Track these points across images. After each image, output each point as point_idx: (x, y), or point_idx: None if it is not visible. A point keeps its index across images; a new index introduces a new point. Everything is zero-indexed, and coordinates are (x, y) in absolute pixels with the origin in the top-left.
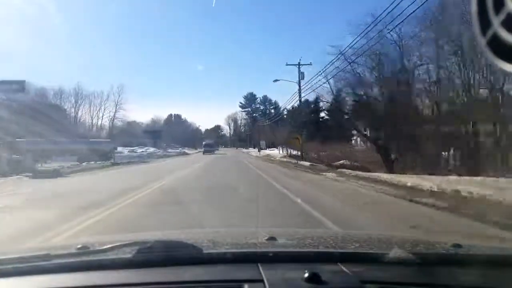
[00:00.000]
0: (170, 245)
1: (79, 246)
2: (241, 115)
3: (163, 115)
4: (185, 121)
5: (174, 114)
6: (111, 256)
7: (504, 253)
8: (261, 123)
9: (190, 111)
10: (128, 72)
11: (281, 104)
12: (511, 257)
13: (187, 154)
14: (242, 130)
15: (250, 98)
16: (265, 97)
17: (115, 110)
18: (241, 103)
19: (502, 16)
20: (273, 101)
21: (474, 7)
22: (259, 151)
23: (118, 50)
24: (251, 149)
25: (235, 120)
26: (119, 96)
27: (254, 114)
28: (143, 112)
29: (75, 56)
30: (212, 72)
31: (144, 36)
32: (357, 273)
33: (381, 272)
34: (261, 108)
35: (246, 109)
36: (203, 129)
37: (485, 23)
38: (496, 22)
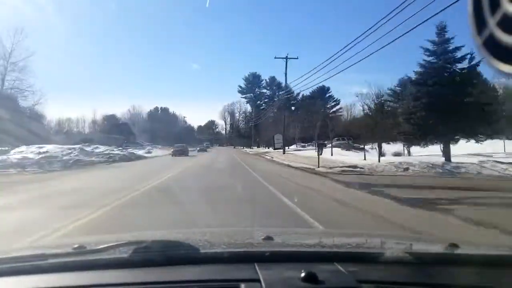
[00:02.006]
0: (166, 244)
1: (75, 246)
2: (240, 107)
3: (146, 107)
4: (174, 115)
5: (161, 107)
6: (107, 255)
7: (501, 253)
8: (271, 110)
9: (184, 109)
10: (115, 65)
11: (294, 87)
12: (507, 257)
13: (143, 158)
14: (241, 125)
15: (253, 81)
16: (272, 79)
17: (6, 71)
18: (240, 87)
19: (497, 16)
20: (283, 84)
21: (470, 7)
22: (284, 152)
23: (105, 44)
24: (258, 149)
25: (232, 113)
26: (12, 45)
27: (258, 102)
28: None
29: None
30: (205, 65)
31: (134, 31)
32: (353, 273)
33: (378, 271)
34: (268, 93)
35: (248, 95)
36: (190, 122)
37: (481, 24)
38: (492, 22)
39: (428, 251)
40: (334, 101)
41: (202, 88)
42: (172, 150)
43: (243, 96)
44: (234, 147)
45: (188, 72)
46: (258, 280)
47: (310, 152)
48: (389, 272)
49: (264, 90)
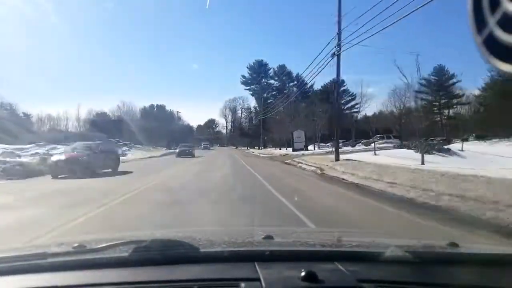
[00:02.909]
0: (166, 243)
1: (75, 245)
2: (243, 102)
3: (138, 104)
4: (171, 113)
5: (157, 105)
6: (107, 254)
7: (500, 252)
8: (286, 100)
9: (184, 109)
10: (108, 62)
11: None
12: (507, 256)
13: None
14: (244, 123)
15: (259, 70)
16: (281, 68)
17: None
18: (244, 77)
19: (497, 15)
20: (294, 75)
21: (469, 6)
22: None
23: (97, 41)
24: (269, 150)
25: (233, 110)
26: None
27: (265, 95)
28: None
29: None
30: (204, 63)
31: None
32: (353, 272)
33: (378, 270)
34: (276, 84)
35: (252, 87)
36: (189, 121)
37: (480, 22)
38: (491, 21)
39: (428, 250)
40: (350, 95)
41: (201, 86)
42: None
43: (247, 87)
44: (236, 148)
45: (187, 70)
46: (258, 279)
47: (365, 154)
48: (390, 272)
49: (272, 81)
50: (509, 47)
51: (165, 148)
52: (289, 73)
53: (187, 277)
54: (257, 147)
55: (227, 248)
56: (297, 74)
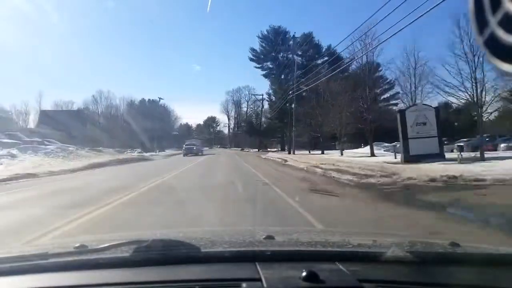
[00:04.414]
0: (167, 244)
1: (77, 245)
2: (248, 94)
3: (118, 95)
4: (165, 109)
5: (149, 99)
6: (109, 255)
7: (502, 252)
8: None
9: (184, 109)
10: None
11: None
12: (508, 256)
13: None
14: (253, 119)
15: (275, 40)
16: (306, 37)
17: None
18: (254, 51)
19: (499, 15)
20: (324, 47)
21: (471, 6)
22: None
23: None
24: (317, 155)
25: (238, 104)
26: None
27: (282, 76)
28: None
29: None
30: (204, 60)
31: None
32: (354, 272)
33: (379, 271)
34: (300, 59)
35: (265, 64)
36: (188, 121)
37: (482, 23)
38: (493, 21)
39: (429, 250)
40: (387, 83)
41: (201, 84)
42: None
43: (259, 66)
44: (242, 149)
45: (187, 69)
46: (259, 279)
47: None
48: (390, 272)
49: (292, 55)
50: (511, 47)
51: (138, 150)
52: (317, 45)
53: (188, 277)
54: (279, 150)
55: (228, 248)
56: (329, 47)
